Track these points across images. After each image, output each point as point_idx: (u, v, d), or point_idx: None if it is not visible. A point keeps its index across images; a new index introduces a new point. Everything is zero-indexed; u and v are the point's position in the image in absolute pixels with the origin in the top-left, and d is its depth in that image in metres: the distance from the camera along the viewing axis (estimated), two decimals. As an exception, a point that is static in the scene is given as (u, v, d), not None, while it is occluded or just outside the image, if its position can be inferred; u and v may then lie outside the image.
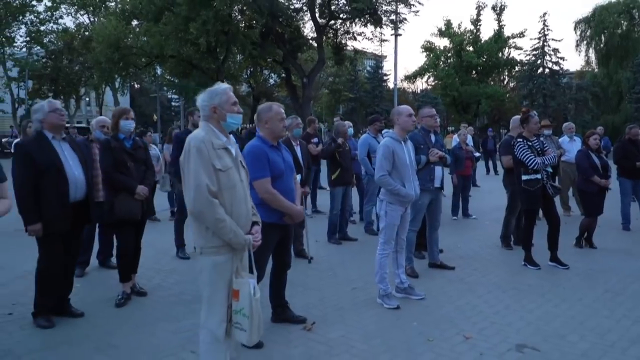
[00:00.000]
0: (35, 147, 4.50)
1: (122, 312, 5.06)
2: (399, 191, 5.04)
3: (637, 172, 9.21)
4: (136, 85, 61.91)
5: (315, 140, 10.69)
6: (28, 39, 44.34)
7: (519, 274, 6.41)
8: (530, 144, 6.63)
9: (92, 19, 48.08)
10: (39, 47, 46.02)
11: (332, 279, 6.13)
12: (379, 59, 55.00)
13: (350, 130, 9.41)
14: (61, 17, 46.23)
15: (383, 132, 6.96)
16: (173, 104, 69.53)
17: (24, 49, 45.30)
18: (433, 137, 6.36)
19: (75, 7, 46.62)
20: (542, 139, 7.28)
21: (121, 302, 5.20)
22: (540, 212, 7.49)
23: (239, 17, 33.07)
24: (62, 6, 45.80)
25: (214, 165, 3.03)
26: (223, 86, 3.32)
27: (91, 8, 46.88)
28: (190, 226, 3.25)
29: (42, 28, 44.94)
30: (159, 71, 43.29)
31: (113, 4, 48.07)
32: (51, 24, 46.05)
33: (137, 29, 33.20)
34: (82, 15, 47.81)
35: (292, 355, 4.03)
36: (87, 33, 46.56)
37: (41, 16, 44.03)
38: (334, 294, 5.54)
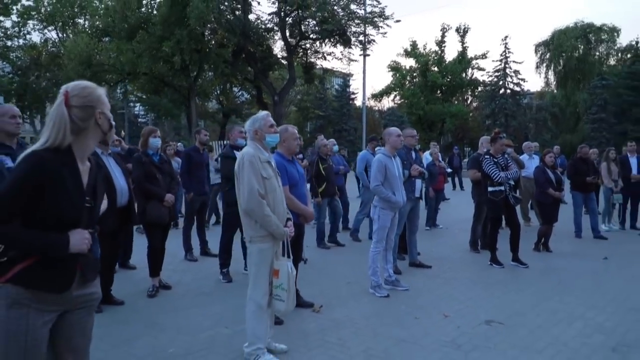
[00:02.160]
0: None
1: (155, 301, 5.94)
2: (390, 198, 6.07)
3: (587, 187, 10.44)
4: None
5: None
6: (-6, 54, 43.96)
7: (486, 271, 7.51)
8: (496, 160, 7.77)
9: (60, 35, 48.14)
10: (5, 63, 45.70)
11: (328, 276, 7.10)
12: (346, 78, 56.29)
13: (335, 148, 10.46)
14: (29, 32, 46.21)
15: (376, 149, 8.01)
16: (140, 120, 69.64)
17: (-10, 64, 44.88)
18: (413, 154, 7.42)
19: (44, 23, 46.59)
20: (506, 156, 8.41)
21: (152, 294, 6.08)
22: (504, 222, 8.61)
23: (212, 36, 33.77)
24: (29, 22, 45.89)
25: (262, 174, 4.00)
26: (262, 113, 4.30)
27: (60, 23, 46.91)
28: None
29: (8, 44, 44.69)
30: (129, 88, 43.43)
31: (82, 20, 48.57)
32: (19, 40, 46.03)
33: (109, 46, 33.32)
34: (50, 31, 47.88)
35: (307, 329, 4.98)
36: (54, 49, 46.66)
37: (9, 32, 43.76)
38: (332, 287, 6.51)
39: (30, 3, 45.28)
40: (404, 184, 6.77)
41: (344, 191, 10.39)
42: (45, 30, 47.49)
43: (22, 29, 45.23)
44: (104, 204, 4.17)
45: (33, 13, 45.32)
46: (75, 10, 46.94)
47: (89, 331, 2.50)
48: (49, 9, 45.58)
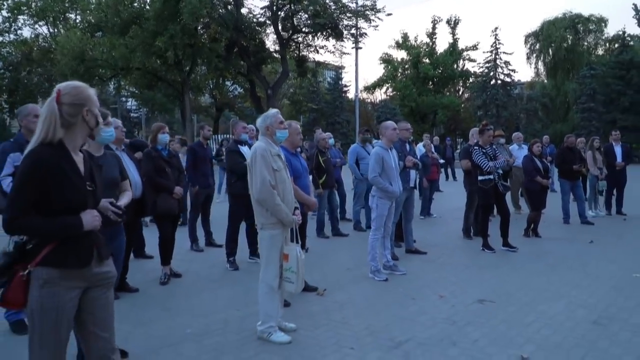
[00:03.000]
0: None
1: (167, 288, 6.32)
2: (387, 188, 6.45)
3: (574, 175, 10.87)
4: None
5: (298, 149, 12.03)
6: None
7: (478, 255, 7.92)
8: (484, 151, 8.17)
9: (51, 30, 47.99)
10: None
11: (329, 263, 7.48)
12: (338, 70, 56.54)
13: (331, 141, 10.82)
14: (20, 28, 46.01)
15: (373, 142, 8.38)
16: (132, 114, 69.56)
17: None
18: (408, 147, 7.81)
19: (35, 18, 46.41)
20: (494, 147, 8.80)
21: (165, 281, 6.46)
22: (495, 210, 9.01)
23: (204, 30, 33.91)
24: (20, 17, 45.72)
25: (272, 166, 4.37)
26: (273, 111, 4.67)
27: (51, 19, 46.75)
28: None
29: (-1, 39, 44.72)
30: (122, 83, 43.43)
31: (73, 15, 48.47)
32: (10, 35, 45.88)
33: (101, 41, 33.26)
34: (40, 26, 47.66)
35: (312, 310, 5.36)
36: (45, 44, 46.53)
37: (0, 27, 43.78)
38: (333, 273, 6.90)
39: (21, -2, 45.25)
40: (399, 175, 7.17)
41: (341, 183, 10.77)
42: (36, 26, 47.38)
43: (12, 24, 45.15)
44: (127, 197, 4.55)
45: (24, 8, 45.09)
46: (66, 5, 46.69)
47: (111, 306, 2.86)
48: (39, 4, 45.21)
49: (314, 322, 5.00)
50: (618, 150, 11.94)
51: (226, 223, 7.38)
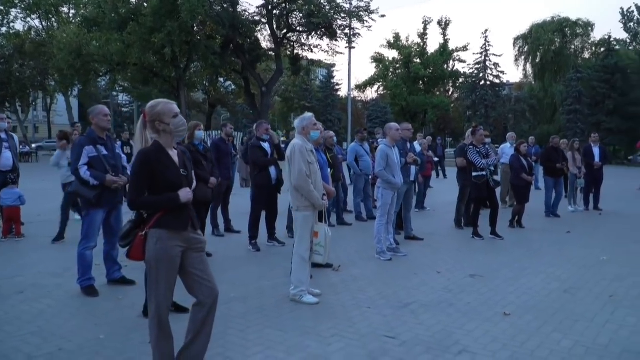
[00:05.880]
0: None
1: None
2: (390, 180, 7.49)
3: (558, 172, 12.03)
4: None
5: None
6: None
7: (469, 242, 9.02)
8: (478, 150, 9.25)
9: (44, 24, 48.29)
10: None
11: (339, 247, 8.46)
12: (330, 69, 57.44)
13: (335, 139, 11.85)
14: (12, 21, 46.17)
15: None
16: (124, 109, 70.11)
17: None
18: (408, 145, 8.86)
19: (27, 11, 46.52)
20: (487, 146, 9.86)
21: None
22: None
23: (201, 28, 34.52)
24: (12, 10, 45.73)
25: (307, 160, 5.40)
26: (308, 115, 5.71)
27: (43, 12, 46.86)
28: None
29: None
30: (118, 78, 43.77)
31: (66, 8, 48.87)
32: (2, 28, 46.01)
33: (97, 36, 33.58)
34: (33, 19, 47.85)
35: (332, 281, 6.39)
36: (38, 37, 46.79)
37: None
38: (344, 254, 7.92)
39: (14, -9, 45.39)
40: (401, 170, 8.21)
41: (344, 177, 11.81)
42: (29, 19, 47.59)
43: (5, 17, 45.48)
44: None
45: (16, 1, 45.41)
46: (60, -2, 46.98)
47: (207, 263, 3.85)
48: (32, -3, 45.48)
49: (334, 289, 6.04)
50: (596, 151, 13.10)
51: (241, 212, 8.35)
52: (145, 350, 4.03)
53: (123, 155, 6.41)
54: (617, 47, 45.10)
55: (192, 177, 3.87)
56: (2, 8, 44.58)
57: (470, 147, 9.39)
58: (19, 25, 47.64)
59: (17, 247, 8.24)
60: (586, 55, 53.41)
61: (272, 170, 8.25)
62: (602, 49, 47.38)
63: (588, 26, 52.54)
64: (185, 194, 3.63)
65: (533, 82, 55.33)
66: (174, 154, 3.72)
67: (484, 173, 9.19)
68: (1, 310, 5.23)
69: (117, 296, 5.71)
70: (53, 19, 47.45)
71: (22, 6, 45.93)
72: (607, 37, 45.01)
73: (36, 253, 7.86)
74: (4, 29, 46.20)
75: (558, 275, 6.73)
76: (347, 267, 7.08)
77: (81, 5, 44.34)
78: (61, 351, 4.24)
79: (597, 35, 59.77)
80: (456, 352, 4.26)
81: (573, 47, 53.54)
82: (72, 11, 48.24)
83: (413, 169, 8.90)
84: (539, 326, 4.84)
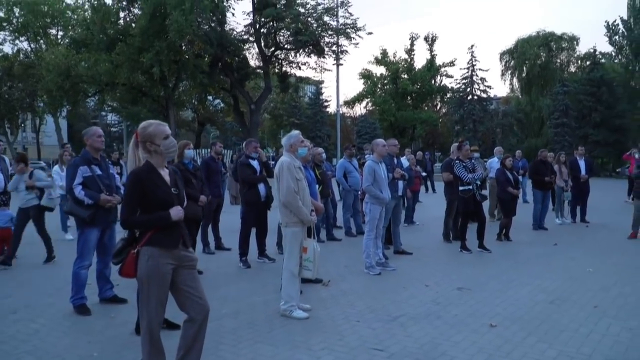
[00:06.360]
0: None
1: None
2: (378, 195, 7.60)
3: (546, 185, 12.21)
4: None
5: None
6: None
7: (457, 255, 9.14)
8: (464, 164, 9.40)
9: (32, 46, 48.33)
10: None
11: (328, 262, 8.52)
12: (318, 85, 57.72)
13: (324, 155, 11.97)
14: (1, 43, 46.28)
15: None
16: (113, 129, 70.00)
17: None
18: (395, 160, 9.00)
19: (16, 34, 46.63)
20: (473, 161, 10.01)
21: (191, 276, 7.50)
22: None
23: (189, 47, 34.66)
24: (0, 33, 45.72)
25: (295, 176, 5.50)
26: (295, 132, 5.83)
27: (32, 34, 46.94)
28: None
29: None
30: (107, 98, 43.73)
31: (54, 30, 48.99)
32: (-7, 51, 46.09)
33: (85, 57, 33.78)
34: (21, 41, 47.77)
35: (321, 296, 6.48)
36: (27, 59, 46.67)
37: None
38: (333, 269, 8.00)
39: (1, 14, 45.33)
40: (388, 185, 8.33)
41: (333, 193, 11.91)
42: (17, 41, 47.56)
43: (-6, 39, 45.51)
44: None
45: (5, 24, 45.60)
46: (47, 20, 47.07)
47: (197, 278, 3.93)
48: (20, 20, 45.47)
49: (324, 304, 6.12)
50: (582, 164, 13.29)
51: (231, 230, 8.43)
52: (137, 366, 4.09)
53: (116, 175, 6.50)
54: (603, 61, 45.55)
55: (183, 196, 3.97)
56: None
57: (457, 161, 9.55)
58: (7, 48, 47.67)
59: (8, 268, 8.25)
60: (572, 68, 53.96)
61: (261, 187, 8.35)
62: (588, 63, 47.86)
63: (573, 40, 53.15)
64: (177, 212, 3.72)
65: (520, 96, 55.75)
66: (165, 174, 3.82)
67: (471, 187, 9.33)
68: (-6, 330, 5.29)
69: (110, 314, 5.78)
70: (41, 41, 47.52)
71: (11, 29, 45.98)
72: (592, 50, 45.54)
73: (28, 273, 7.90)
74: (-7, 51, 46.18)
75: (544, 286, 6.84)
76: (336, 282, 7.16)
77: (69, 27, 44.65)
78: (54, 369, 4.29)
79: (582, 49, 60.50)
80: (443, 363, 4.36)
81: (559, 61, 54.10)
82: (61, 33, 48.43)
83: (400, 183, 9.03)
84: (524, 336, 4.95)
